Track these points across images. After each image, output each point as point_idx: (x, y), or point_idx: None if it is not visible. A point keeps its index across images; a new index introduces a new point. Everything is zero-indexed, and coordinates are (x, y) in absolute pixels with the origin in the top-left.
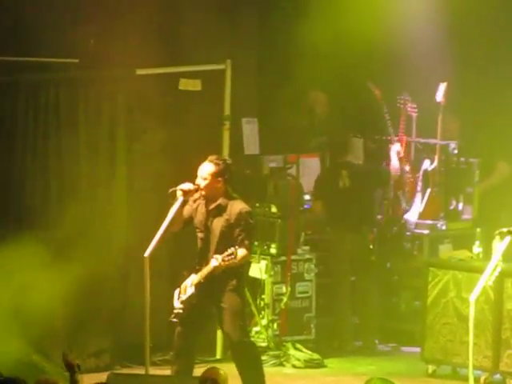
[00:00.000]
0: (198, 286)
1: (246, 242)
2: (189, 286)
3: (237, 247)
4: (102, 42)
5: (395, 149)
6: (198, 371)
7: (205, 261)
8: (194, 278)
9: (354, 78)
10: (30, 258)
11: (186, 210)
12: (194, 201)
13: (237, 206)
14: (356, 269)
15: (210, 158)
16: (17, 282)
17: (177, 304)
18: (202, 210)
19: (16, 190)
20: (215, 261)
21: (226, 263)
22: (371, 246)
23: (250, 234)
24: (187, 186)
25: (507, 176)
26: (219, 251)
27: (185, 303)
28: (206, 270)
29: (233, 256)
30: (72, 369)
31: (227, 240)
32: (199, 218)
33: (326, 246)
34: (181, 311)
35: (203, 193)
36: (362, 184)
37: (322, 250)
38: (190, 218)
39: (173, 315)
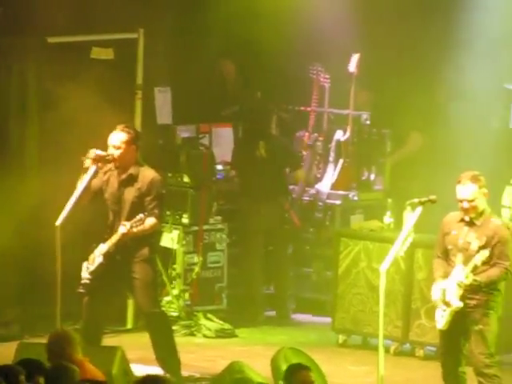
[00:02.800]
0: (107, 255)
1: (157, 211)
2: (97, 255)
3: (146, 213)
4: (12, 9)
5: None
6: (108, 341)
7: (115, 231)
8: (102, 248)
9: (264, 49)
10: None
11: (95, 183)
12: (104, 173)
13: (148, 175)
14: (271, 239)
15: (119, 126)
16: None
17: (85, 275)
18: (113, 181)
19: None
20: (123, 227)
21: (135, 230)
22: (286, 215)
23: (160, 202)
24: (99, 152)
25: (420, 146)
26: (130, 220)
27: (93, 273)
28: (114, 238)
29: (141, 222)
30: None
31: (138, 209)
32: (110, 189)
33: (238, 216)
34: (88, 282)
35: (117, 163)
36: (278, 155)
37: (235, 221)
38: (100, 191)
39: (80, 286)
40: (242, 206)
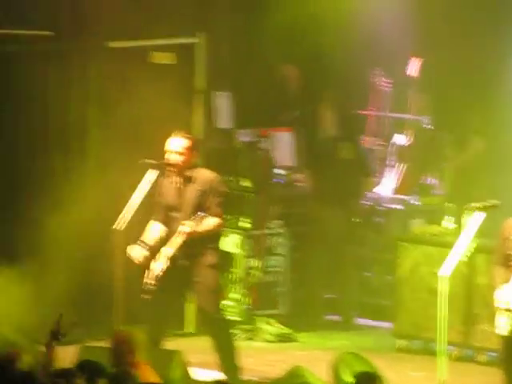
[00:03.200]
0: (173, 259)
1: (219, 210)
2: (162, 259)
3: (203, 213)
4: (75, 14)
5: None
6: (168, 345)
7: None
8: (167, 251)
9: (325, 54)
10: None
11: (155, 190)
12: (163, 179)
13: (206, 174)
14: (337, 243)
15: (179, 133)
16: None
17: (148, 279)
18: (171, 186)
19: None
20: (186, 227)
21: (198, 229)
22: (356, 220)
23: (222, 201)
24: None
25: (480, 151)
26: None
27: (158, 278)
28: (177, 240)
29: (201, 220)
30: (55, 335)
31: (199, 210)
32: (169, 194)
33: (306, 219)
34: (152, 287)
35: (178, 168)
36: (356, 160)
37: (295, 225)
38: (159, 197)
39: (144, 291)
40: (312, 208)
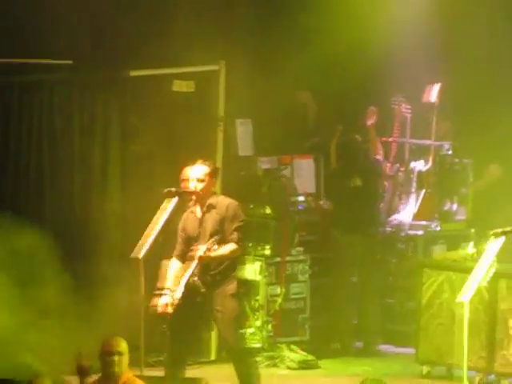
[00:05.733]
0: (193, 288)
1: (236, 236)
2: (179, 287)
3: (217, 237)
4: (96, 43)
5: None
6: (191, 373)
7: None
8: (183, 279)
9: (345, 80)
10: (26, 257)
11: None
12: (183, 210)
13: (225, 201)
14: (362, 270)
15: (199, 161)
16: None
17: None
18: (192, 215)
19: (10, 194)
20: (199, 251)
21: (212, 254)
22: (378, 246)
23: (240, 227)
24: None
25: (498, 178)
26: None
27: (176, 306)
28: (192, 264)
29: (215, 243)
30: (85, 373)
31: (220, 236)
32: (191, 227)
33: (328, 246)
34: (171, 315)
35: (199, 195)
36: (370, 182)
37: (317, 251)
38: (181, 228)
39: (163, 320)
40: (333, 235)
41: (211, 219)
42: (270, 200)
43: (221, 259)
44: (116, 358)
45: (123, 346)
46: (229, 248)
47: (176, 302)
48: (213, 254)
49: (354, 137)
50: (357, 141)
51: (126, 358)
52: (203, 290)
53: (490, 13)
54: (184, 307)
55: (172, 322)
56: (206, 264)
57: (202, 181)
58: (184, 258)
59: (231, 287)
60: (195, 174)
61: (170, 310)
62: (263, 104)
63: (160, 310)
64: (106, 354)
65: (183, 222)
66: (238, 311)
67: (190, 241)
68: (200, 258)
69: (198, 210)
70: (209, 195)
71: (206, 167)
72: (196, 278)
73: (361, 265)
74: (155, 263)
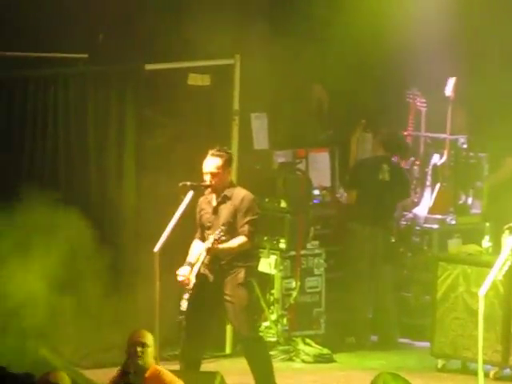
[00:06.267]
0: (199, 276)
1: (247, 229)
2: (191, 279)
3: (223, 228)
4: (111, 36)
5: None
6: (207, 366)
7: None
8: (194, 269)
9: (360, 73)
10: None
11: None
12: (199, 200)
13: (241, 193)
14: (378, 263)
15: (211, 151)
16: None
17: (183, 301)
18: (207, 206)
19: (25, 187)
20: (207, 242)
21: (220, 246)
22: (393, 240)
23: (253, 220)
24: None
25: None
26: (226, 240)
27: (189, 299)
28: (201, 257)
29: (223, 233)
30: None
31: (232, 228)
32: (206, 215)
33: (338, 240)
34: (185, 308)
35: (214, 188)
36: (398, 181)
37: (333, 245)
38: (197, 219)
39: (179, 313)
40: (350, 228)
41: (226, 210)
42: (285, 194)
43: (228, 251)
44: (139, 349)
45: (148, 338)
46: (237, 241)
47: (191, 284)
48: (221, 246)
49: (396, 130)
50: (400, 135)
51: (151, 351)
52: (211, 279)
53: (508, 5)
54: (196, 298)
55: (187, 314)
56: (214, 255)
57: (215, 174)
58: (204, 239)
59: (240, 276)
60: (208, 167)
61: (191, 279)
62: (278, 98)
63: (180, 278)
64: (131, 345)
65: (199, 207)
66: (248, 300)
67: (205, 228)
68: (208, 249)
69: (213, 198)
70: (225, 186)
71: (219, 159)
72: (204, 268)
73: (377, 258)
74: (170, 255)
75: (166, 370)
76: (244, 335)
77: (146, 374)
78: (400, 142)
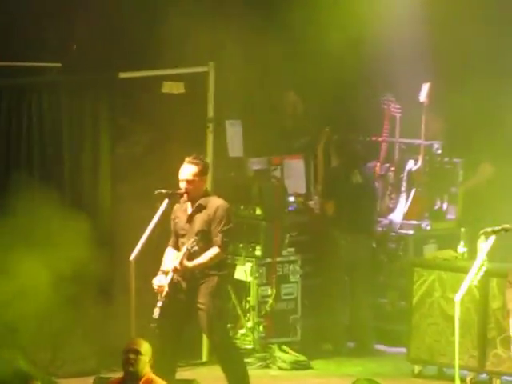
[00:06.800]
0: (172, 284)
1: (220, 239)
2: (165, 287)
3: (196, 238)
4: (85, 45)
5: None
6: (184, 374)
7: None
8: (167, 278)
9: (334, 80)
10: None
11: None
12: (174, 208)
13: (216, 202)
14: (356, 270)
15: (188, 159)
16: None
17: (156, 309)
18: (182, 214)
19: None
20: (175, 262)
21: (189, 264)
22: (374, 245)
23: (226, 230)
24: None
25: (490, 177)
26: (199, 249)
27: (162, 307)
28: (169, 275)
29: (196, 244)
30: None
31: (206, 238)
32: (180, 223)
33: (313, 247)
34: (158, 315)
35: (189, 196)
36: (371, 184)
37: (308, 252)
38: (172, 227)
39: (152, 320)
40: (331, 235)
41: (200, 218)
42: (260, 201)
43: (199, 268)
44: (132, 356)
45: (143, 346)
46: (209, 255)
47: (164, 292)
48: (190, 264)
49: (351, 135)
50: (355, 138)
51: (145, 359)
52: (185, 287)
53: (481, 12)
54: (169, 306)
55: (160, 321)
56: (183, 273)
57: (191, 181)
58: (178, 247)
59: (212, 285)
60: (184, 174)
61: (165, 288)
62: (253, 105)
63: (155, 286)
64: (124, 352)
65: (174, 214)
66: (220, 308)
67: (179, 236)
68: (175, 269)
69: (188, 206)
70: (200, 194)
71: (195, 167)
72: (177, 276)
73: (356, 265)
74: (149, 263)
75: (160, 379)
76: (216, 343)
77: (140, 383)
78: (350, 148)
